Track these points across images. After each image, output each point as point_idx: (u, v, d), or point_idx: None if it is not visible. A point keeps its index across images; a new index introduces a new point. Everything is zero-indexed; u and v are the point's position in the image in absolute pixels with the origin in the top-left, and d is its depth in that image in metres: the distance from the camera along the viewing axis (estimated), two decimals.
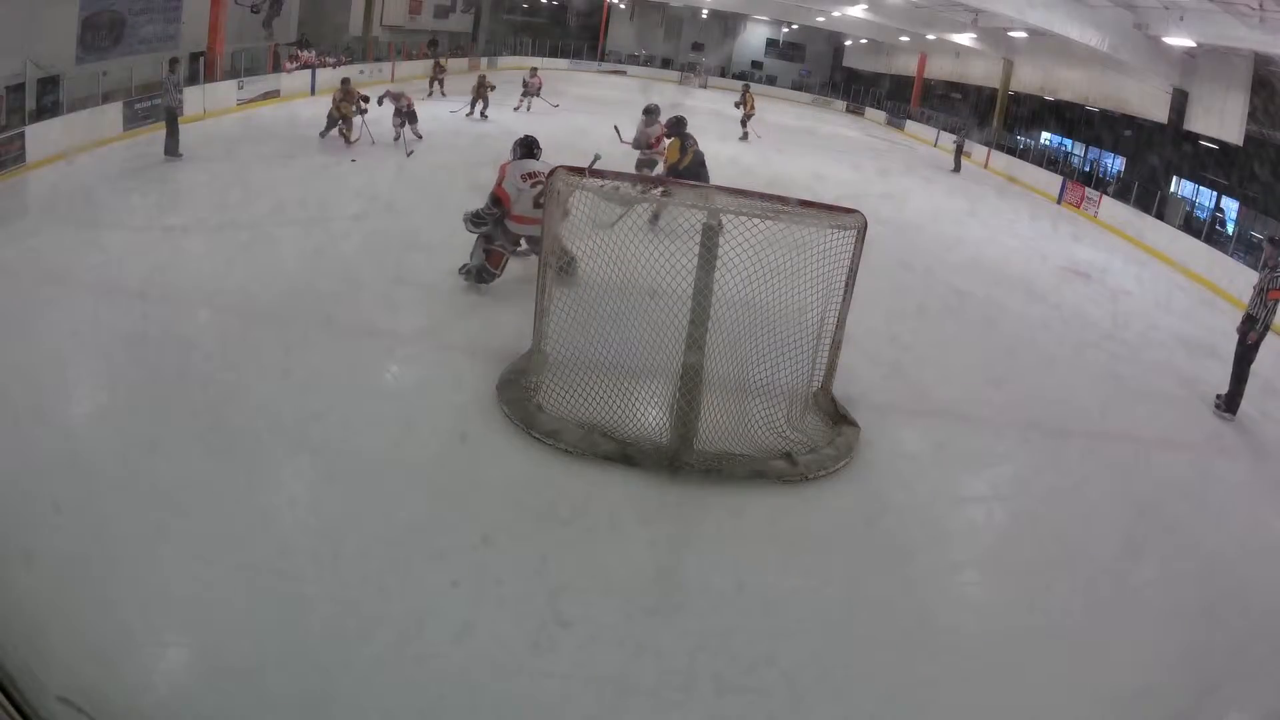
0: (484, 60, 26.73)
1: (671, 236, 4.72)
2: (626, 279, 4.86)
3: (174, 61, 11.36)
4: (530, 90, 18.10)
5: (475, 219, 6.65)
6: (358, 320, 6.15)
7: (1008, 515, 5.06)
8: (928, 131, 25.32)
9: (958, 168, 19.58)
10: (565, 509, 4.26)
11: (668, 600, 3.80)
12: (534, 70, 18.82)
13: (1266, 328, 6.63)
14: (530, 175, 6.51)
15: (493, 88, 16.66)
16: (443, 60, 20.15)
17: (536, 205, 6.31)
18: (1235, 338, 6.75)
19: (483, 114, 16.35)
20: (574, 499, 4.34)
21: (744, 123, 18.41)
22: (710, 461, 4.63)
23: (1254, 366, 6.68)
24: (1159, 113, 17.15)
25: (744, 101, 18.80)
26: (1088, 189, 16.79)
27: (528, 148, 6.77)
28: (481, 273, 6.66)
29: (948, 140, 23.90)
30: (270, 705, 3.01)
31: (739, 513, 4.39)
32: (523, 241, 6.71)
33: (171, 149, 10.62)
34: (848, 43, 33.80)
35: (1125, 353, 7.86)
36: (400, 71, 20.93)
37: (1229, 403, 6.64)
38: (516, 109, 17.56)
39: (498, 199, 6.58)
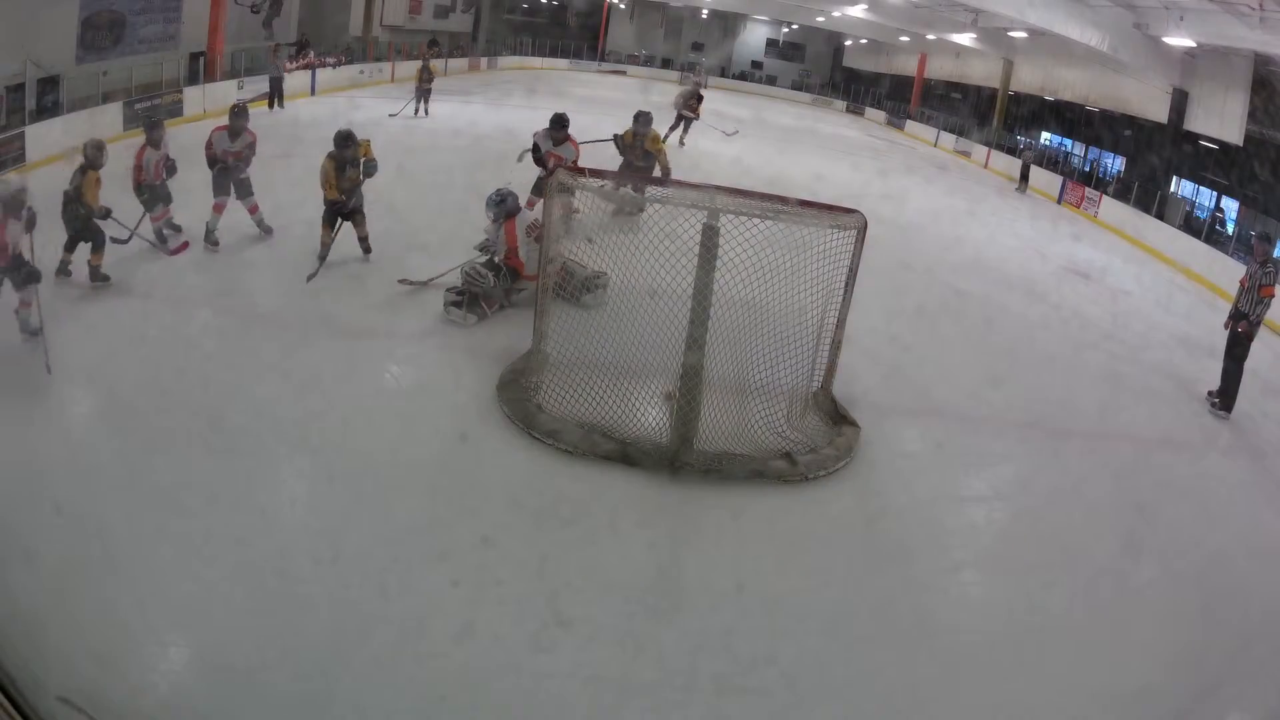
0: (483, 60, 26.74)
1: (670, 238, 4.72)
2: (627, 279, 4.87)
3: (278, 47, 16.01)
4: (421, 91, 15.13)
5: (478, 276, 6.19)
6: (358, 320, 6.15)
7: (1008, 515, 5.05)
8: (928, 131, 25.33)
9: (1023, 188, 18.05)
10: (565, 509, 4.26)
11: (668, 600, 3.80)
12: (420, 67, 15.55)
13: (1258, 322, 6.63)
14: (533, 227, 6.25)
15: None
16: (433, 65, 16.21)
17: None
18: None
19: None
20: (574, 499, 4.35)
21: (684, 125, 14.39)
22: (710, 461, 4.63)
23: (1254, 366, 6.69)
24: (1159, 113, 17.15)
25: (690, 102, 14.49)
26: (1088, 189, 16.79)
27: (517, 201, 6.48)
28: (474, 303, 6.13)
29: (948, 140, 23.93)
30: (270, 705, 3.02)
31: (739, 513, 4.39)
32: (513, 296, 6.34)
33: (275, 103, 14.38)
34: (848, 43, 33.80)
35: (1125, 353, 7.86)
36: (400, 72, 20.93)
37: (1225, 401, 6.64)
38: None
39: (514, 268, 6.29)
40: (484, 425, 4.88)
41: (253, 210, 7.56)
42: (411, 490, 4.28)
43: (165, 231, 7.20)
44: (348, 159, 6.81)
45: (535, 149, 7.93)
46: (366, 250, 7.17)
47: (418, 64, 16.23)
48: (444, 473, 4.47)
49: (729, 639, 3.54)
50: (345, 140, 6.80)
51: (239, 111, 7.52)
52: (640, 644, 3.48)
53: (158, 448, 4.31)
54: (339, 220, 6.93)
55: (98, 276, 6.22)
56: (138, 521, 3.74)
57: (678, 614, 3.69)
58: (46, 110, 11.04)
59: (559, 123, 7.91)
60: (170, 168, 7.04)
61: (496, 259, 6.41)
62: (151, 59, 13.70)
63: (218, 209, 7.28)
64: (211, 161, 7.26)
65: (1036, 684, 3.55)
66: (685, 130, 14.49)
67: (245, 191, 7.45)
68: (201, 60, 14.97)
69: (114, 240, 6.67)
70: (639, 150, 8.63)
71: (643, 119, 8.69)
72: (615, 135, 8.86)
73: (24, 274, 5.29)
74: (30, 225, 5.25)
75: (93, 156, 6.09)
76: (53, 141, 9.89)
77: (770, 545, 4.25)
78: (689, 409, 4.66)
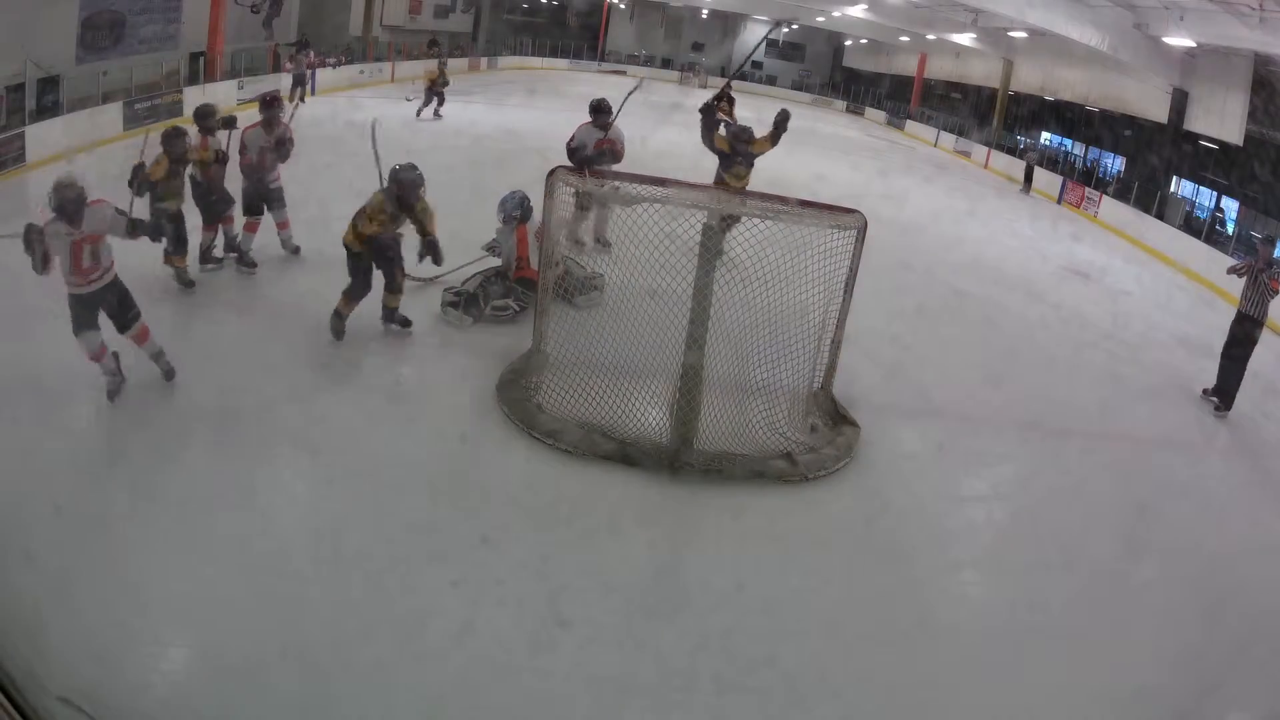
0: (483, 60, 26.75)
1: (670, 238, 4.72)
2: (627, 279, 4.86)
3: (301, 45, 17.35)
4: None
5: (489, 281, 6.24)
6: (358, 320, 6.14)
7: (1008, 515, 5.05)
8: (928, 131, 25.33)
9: (1027, 190, 18.07)
10: (565, 509, 4.26)
11: (668, 600, 3.80)
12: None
13: (1263, 320, 6.63)
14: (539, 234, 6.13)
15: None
16: (443, 65, 15.70)
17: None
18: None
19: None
20: (574, 499, 4.35)
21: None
22: (710, 461, 4.63)
23: (1253, 366, 6.68)
24: (1159, 113, 17.16)
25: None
26: (1088, 189, 16.80)
27: (530, 208, 6.25)
28: (471, 304, 6.13)
29: (948, 140, 23.94)
30: (271, 705, 3.01)
31: (739, 513, 4.39)
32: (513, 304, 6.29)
33: (299, 98, 14.49)
34: (848, 43, 33.82)
35: (1125, 353, 7.86)
36: (400, 71, 20.94)
37: (1225, 400, 6.63)
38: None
39: (530, 282, 6.05)
40: (484, 425, 4.88)
41: (283, 225, 6.89)
42: (411, 490, 4.28)
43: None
44: (413, 205, 5.40)
45: (573, 152, 7.30)
46: (406, 322, 5.84)
47: (434, 65, 15.71)
48: (444, 473, 4.47)
49: (729, 639, 3.54)
50: (413, 181, 5.39)
51: (273, 100, 6.70)
52: (640, 644, 3.48)
53: (158, 448, 4.31)
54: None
55: (183, 279, 6.09)
56: (138, 521, 3.74)
57: (678, 614, 3.69)
58: (46, 110, 11.05)
59: (601, 108, 7.44)
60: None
61: (508, 272, 6.36)
62: (151, 59, 13.70)
63: (252, 228, 6.64)
64: (250, 171, 6.54)
65: (1036, 684, 3.55)
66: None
67: (278, 202, 6.78)
68: (201, 60, 14.98)
69: (205, 265, 6.38)
70: (746, 167, 7.77)
71: (745, 134, 7.87)
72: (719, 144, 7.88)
73: (82, 312, 4.44)
74: (136, 230, 4.51)
75: (169, 146, 5.78)
76: (53, 141, 9.90)
77: (770, 545, 4.25)
78: (689, 409, 4.66)
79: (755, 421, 4.89)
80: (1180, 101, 16.53)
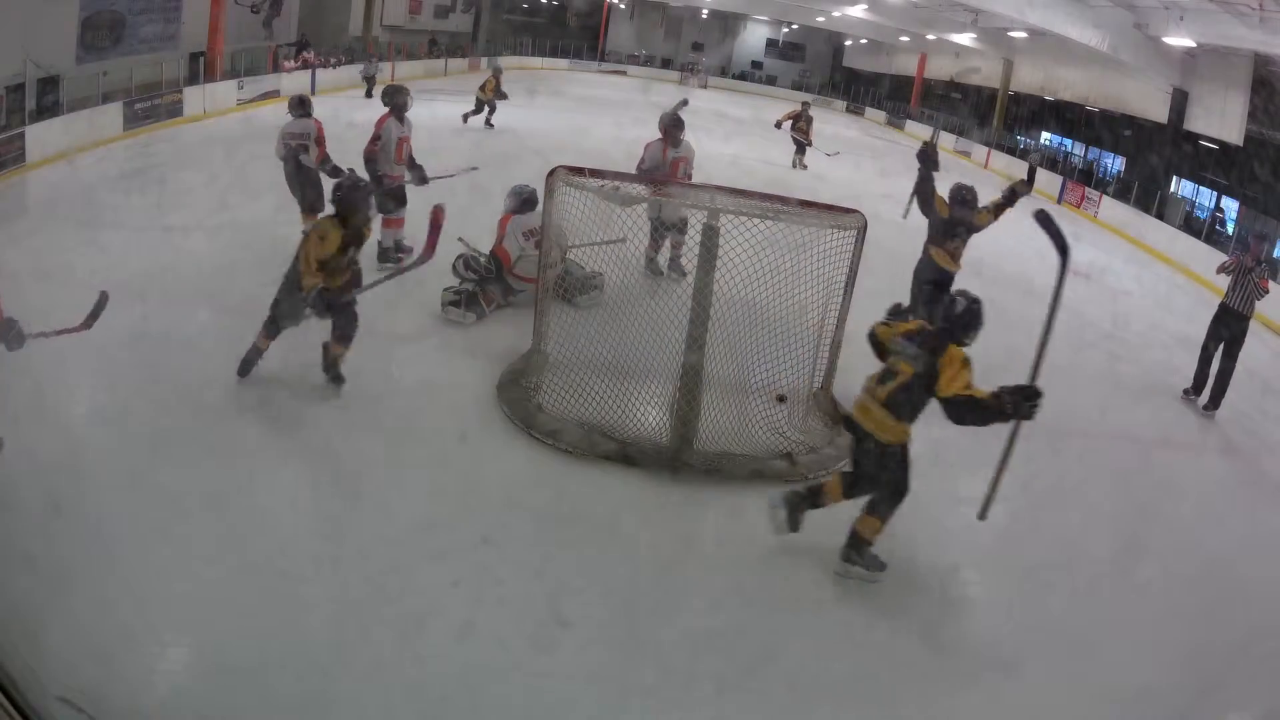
0: (483, 60, 26.76)
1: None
2: (627, 279, 4.87)
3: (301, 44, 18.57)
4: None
5: (467, 267, 6.27)
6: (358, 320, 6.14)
7: (1008, 515, 5.04)
8: (928, 132, 25.30)
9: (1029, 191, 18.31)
10: (565, 509, 4.26)
11: (668, 600, 3.80)
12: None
13: (1248, 318, 6.63)
14: (533, 233, 6.03)
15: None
16: (498, 77, 14.99)
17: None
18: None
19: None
20: (574, 499, 4.35)
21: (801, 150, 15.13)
22: (710, 461, 4.63)
23: (1253, 366, 6.68)
24: (1159, 113, 17.16)
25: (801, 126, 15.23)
26: (1088, 189, 16.80)
27: (530, 202, 6.23)
28: (472, 302, 6.17)
29: (948, 140, 23.90)
30: (271, 706, 3.01)
31: (739, 513, 4.39)
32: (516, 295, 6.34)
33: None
34: (848, 43, 33.81)
35: (1125, 353, 7.86)
36: (400, 72, 20.93)
37: (1214, 398, 6.62)
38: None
39: (498, 258, 6.29)
40: (484, 425, 4.88)
41: (399, 223, 6.56)
42: (411, 490, 4.28)
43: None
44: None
45: (647, 172, 6.83)
46: None
47: (490, 78, 15.03)
48: (444, 473, 4.47)
49: (729, 639, 3.55)
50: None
51: (400, 89, 6.47)
52: (640, 644, 3.48)
53: (158, 448, 4.31)
54: None
55: (334, 370, 5.05)
56: (138, 521, 3.74)
57: (678, 614, 3.69)
58: (46, 110, 11.05)
59: (677, 124, 6.96)
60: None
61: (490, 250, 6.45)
62: (151, 59, 13.71)
63: (394, 223, 6.51)
64: (383, 163, 6.36)
65: (1037, 684, 3.55)
66: (802, 154, 15.04)
67: (404, 198, 6.49)
68: (201, 60, 14.99)
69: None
70: (963, 241, 6.62)
71: (968, 196, 6.58)
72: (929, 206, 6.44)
73: None
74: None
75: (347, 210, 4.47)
76: (53, 141, 9.92)
77: (770, 545, 4.25)
78: (689, 409, 4.66)
79: (755, 421, 4.90)
80: (1180, 101, 16.54)
